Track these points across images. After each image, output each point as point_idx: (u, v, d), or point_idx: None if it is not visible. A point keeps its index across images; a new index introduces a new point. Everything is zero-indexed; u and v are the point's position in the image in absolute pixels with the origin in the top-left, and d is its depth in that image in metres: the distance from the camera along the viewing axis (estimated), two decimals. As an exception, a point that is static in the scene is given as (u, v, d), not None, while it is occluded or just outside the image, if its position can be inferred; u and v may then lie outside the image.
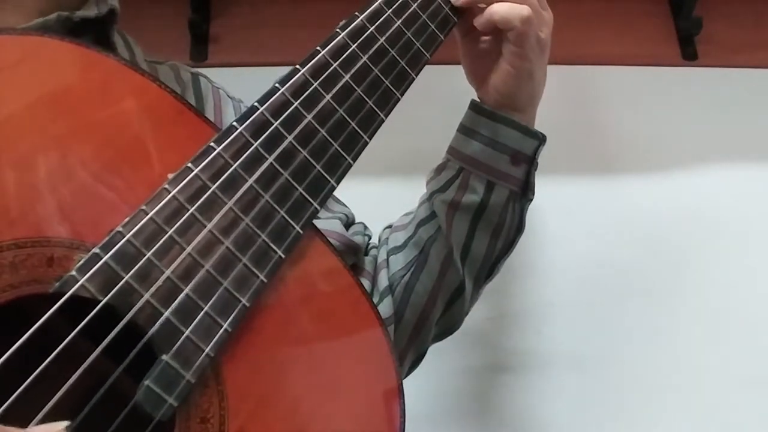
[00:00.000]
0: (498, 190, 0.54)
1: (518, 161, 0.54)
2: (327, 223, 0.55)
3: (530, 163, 0.55)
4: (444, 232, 0.55)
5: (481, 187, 0.54)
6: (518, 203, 0.56)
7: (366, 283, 0.56)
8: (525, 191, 0.55)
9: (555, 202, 0.86)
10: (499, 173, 0.54)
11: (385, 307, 0.55)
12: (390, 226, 0.61)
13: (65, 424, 0.30)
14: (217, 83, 0.59)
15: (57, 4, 0.45)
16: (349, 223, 0.59)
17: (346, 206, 0.61)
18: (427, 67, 0.49)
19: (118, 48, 0.49)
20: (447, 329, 0.59)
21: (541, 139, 0.55)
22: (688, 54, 0.94)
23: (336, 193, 0.42)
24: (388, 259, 0.57)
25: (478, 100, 0.55)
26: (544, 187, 0.85)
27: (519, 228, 0.57)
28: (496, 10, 0.49)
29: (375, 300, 0.56)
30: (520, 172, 0.54)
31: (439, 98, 0.81)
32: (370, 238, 0.61)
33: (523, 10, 0.49)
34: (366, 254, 0.59)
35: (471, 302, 0.58)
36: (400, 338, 0.56)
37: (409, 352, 0.58)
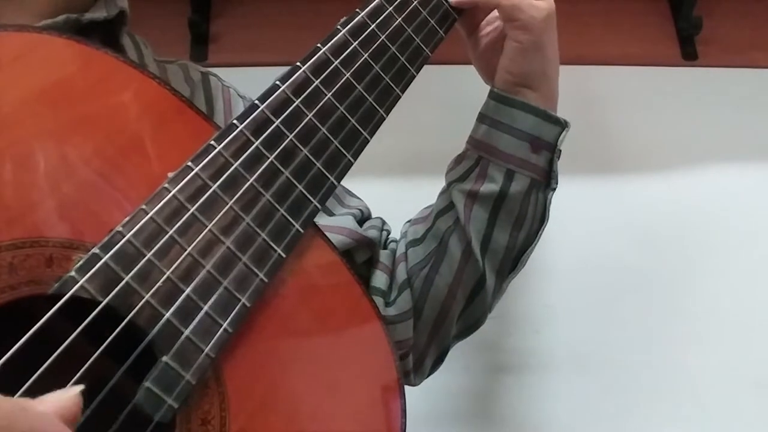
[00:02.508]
0: (518, 178, 0.52)
1: (538, 148, 0.52)
2: (339, 219, 0.54)
3: (552, 150, 0.53)
4: (462, 222, 0.53)
5: (500, 176, 0.52)
6: (541, 193, 0.54)
7: (384, 277, 0.55)
8: (548, 180, 0.54)
9: (555, 202, 0.86)
10: (518, 161, 0.52)
11: (404, 301, 0.54)
12: (410, 220, 0.60)
13: (80, 388, 0.29)
14: (227, 82, 0.58)
15: (64, 5, 0.45)
16: (364, 218, 0.58)
17: (361, 200, 0.60)
18: (427, 67, 0.48)
19: (126, 49, 0.49)
20: (470, 325, 0.58)
21: (563, 125, 0.53)
22: (688, 54, 0.94)
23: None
24: (406, 252, 0.56)
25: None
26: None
27: (542, 219, 0.55)
28: None
29: (393, 294, 0.55)
30: (541, 159, 0.52)
31: (439, 98, 0.80)
32: (389, 233, 0.60)
33: None
34: (384, 248, 0.58)
35: (494, 297, 0.56)
36: (420, 334, 0.55)
37: (430, 349, 0.56)
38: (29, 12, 0.44)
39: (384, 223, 0.60)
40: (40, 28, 0.37)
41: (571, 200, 0.87)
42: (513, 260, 0.55)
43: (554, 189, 0.55)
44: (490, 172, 0.52)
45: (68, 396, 0.28)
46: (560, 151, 0.53)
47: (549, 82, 0.53)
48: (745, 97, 0.92)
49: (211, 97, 0.55)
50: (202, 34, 0.88)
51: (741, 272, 0.86)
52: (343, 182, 0.41)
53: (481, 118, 0.54)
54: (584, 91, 0.92)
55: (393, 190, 0.83)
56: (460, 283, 0.54)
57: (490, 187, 0.52)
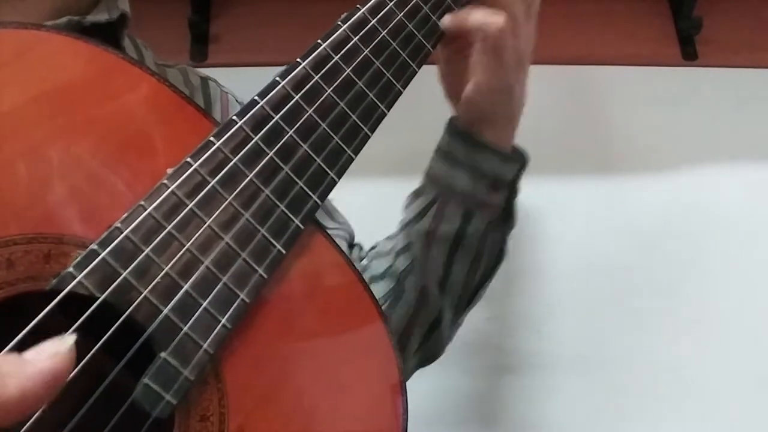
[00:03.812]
0: (476, 218, 0.51)
1: (497, 188, 0.51)
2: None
3: (510, 189, 0.52)
4: (419, 263, 0.53)
5: (458, 217, 0.51)
6: (498, 231, 0.53)
7: None
8: (506, 219, 0.53)
9: (555, 202, 0.86)
10: (476, 201, 0.51)
11: None
12: (375, 247, 0.59)
13: (72, 338, 0.28)
14: (226, 88, 0.58)
15: (65, 8, 0.45)
16: (351, 242, 0.58)
17: (346, 221, 0.60)
18: (429, 66, 0.48)
19: (127, 51, 0.49)
20: (428, 358, 0.57)
21: (521, 161, 0.52)
22: (688, 54, 0.95)
23: (336, 192, 0.41)
24: None
25: (456, 117, 0.53)
26: (544, 187, 0.86)
27: (500, 257, 0.55)
28: (470, 14, 0.46)
29: None
30: (499, 198, 0.52)
31: (439, 97, 0.80)
32: (362, 259, 0.60)
33: (499, 19, 0.46)
34: None
35: (452, 330, 0.56)
36: None
37: None
38: (31, 14, 0.44)
39: (361, 249, 0.60)
40: (39, 25, 0.37)
41: (571, 200, 0.87)
42: (470, 296, 0.55)
43: (512, 227, 0.54)
44: (447, 212, 0.52)
45: (63, 355, 0.27)
46: (519, 189, 0.53)
47: (511, 121, 0.52)
48: (745, 97, 0.93)
49: (210, 102, 0.56)
50: (202, 34, 0.88)
51: (741, 272, 0.86)
52: (343, 180, 0.41)
53: (440, 153, 0.53)
54: (584, 91, 0.92)
55: (393, 189, 0.83)
56: (416, 322, 0.54)
57: (447, 228, 0.51)
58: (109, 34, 0.47)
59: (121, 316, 0.33)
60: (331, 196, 0.51)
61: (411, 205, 0.55)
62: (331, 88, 0.40)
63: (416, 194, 0.55)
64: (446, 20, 0.46)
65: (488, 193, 0.51)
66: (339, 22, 0.42)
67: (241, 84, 0.59)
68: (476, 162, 0.51)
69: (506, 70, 0.48)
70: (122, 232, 0.33)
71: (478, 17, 0.45)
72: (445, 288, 0.53)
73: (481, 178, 0.51)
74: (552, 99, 0.89)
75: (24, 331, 0.30)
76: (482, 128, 0.51)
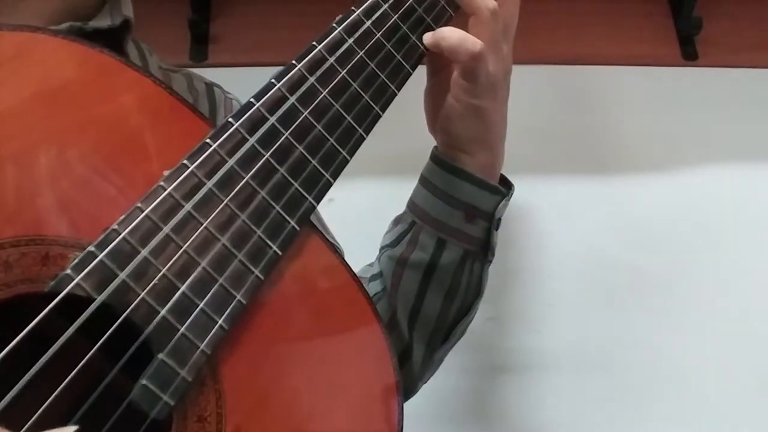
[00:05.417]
0: (450, 248, 0.50)
1: (474, 218, 0.49)
2: None
3: (489, 220, 0.50)
4: (388, 291, 0.51)
5: (431, 244, 0.50)
6: (477, 263, 0.51)
7: None
8: (485, 251, 0.51)
9: (554, 202, 0.86)
10: (450, 230, 0.50)
11: None
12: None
13: (73, 429, 0.29)
14: (230, 94, 0.58)
15: (68, 13, 0.45)
16: None
17: (335, 239, 0.58)
18: (425, 68, 0.48)
19: (130, 57, 0.49)
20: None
21: (504, 194, 0.51)
22: (688, 54, 0.94)
23: (335, 192, 0.41)
24: None
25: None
26: (543, 187, 0.86)
27: (477, 292, 0.52)
28: (447, 35, 0.44)
29: None
30: (476, 230, 0.50)
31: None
32: None
33: (475, 45, 0.44)
34: None
35: (425, 368, 0.54)
36: None
37: None
38: (31, 18, 0.44)
39: None
40: (34, 27, 0.37)
41: (572, 200, 0.87)
42: (445, 331, 0.53)
43: (490, 261, 0.52)
44: (421, 239, 0.50)
45: None
46: (499, 221, 0.51)
47: (489, 149, 0.50)
48: (745, 97, 0.92)
49: (215, 108, 0.56)
50: (202, 34, 0.88)
51: (742, 272, 0.86)
52: (339, 180, 0.42)
53: (421, 179, 0.52)
54: (584, 91, 0.92)
55: (389, 191, 0.83)
56: None
57: (420, 256, 0.50)
58: (111, 40, 0.47)
59: (119, 317, 0.33)
60: (323, 214, 0.50)
61: (389, 232, 0.54)
62: (327, 90, 0.40)
63: (396, 221, 0.54)
64: (426, 38, 0.45)
65: (464, 222, 0.50)
66: (334, 24, 0.42)
67: (241, 84, 0.59)
68: (452, 189, 0.49)
69: (477, 94, 0.47)
70: (119, 234, 0.34)
71: (454, 41, 0.44)
72: (416, 320, 0.51)
73: (456, 206, 0.49)
74: (552, 99, 0.89)
75: (22, 333, 0.31)
76: (461, 156, 0.50)
